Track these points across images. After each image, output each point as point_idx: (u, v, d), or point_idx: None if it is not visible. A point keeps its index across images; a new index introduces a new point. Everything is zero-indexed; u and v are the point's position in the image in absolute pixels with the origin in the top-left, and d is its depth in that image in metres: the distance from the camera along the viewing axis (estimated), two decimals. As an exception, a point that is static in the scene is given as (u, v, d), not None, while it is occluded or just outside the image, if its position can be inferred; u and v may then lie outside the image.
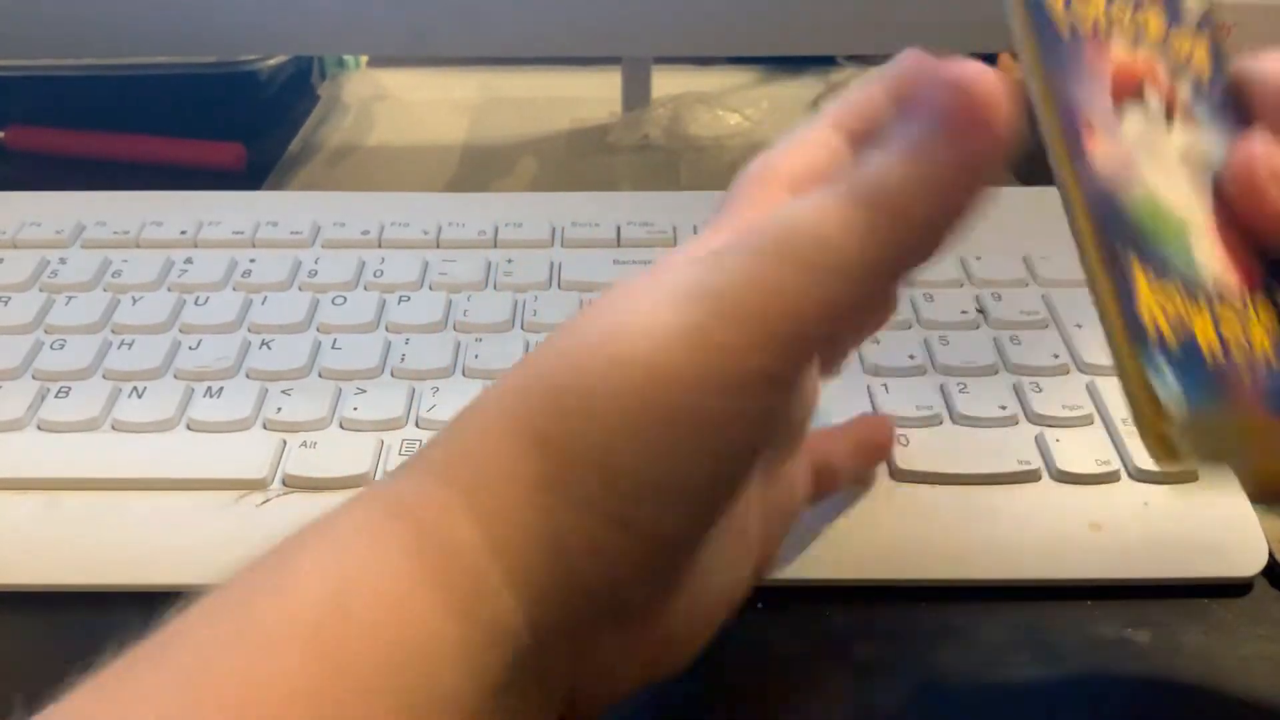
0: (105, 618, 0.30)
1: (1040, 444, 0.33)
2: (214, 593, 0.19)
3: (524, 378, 0.20)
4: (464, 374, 0.36)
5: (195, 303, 0.39)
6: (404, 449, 0.33)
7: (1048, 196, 0.21)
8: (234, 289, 0.40)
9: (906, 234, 0.19)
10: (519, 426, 0.19)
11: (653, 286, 0.20)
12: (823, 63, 0.63)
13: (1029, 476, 0.32)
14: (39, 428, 0.34)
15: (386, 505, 0.20)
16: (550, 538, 0.19)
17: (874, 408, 0.34)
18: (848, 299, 0.19)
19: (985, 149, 0.19)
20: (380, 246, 0.42)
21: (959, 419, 0.34)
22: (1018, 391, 0.34)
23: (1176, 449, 0.18)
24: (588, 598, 0.20)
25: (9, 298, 0.39)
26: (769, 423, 0.20)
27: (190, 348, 0.36)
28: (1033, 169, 0.23)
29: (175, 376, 0.36)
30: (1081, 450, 0.32)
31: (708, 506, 0.21)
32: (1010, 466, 0.32)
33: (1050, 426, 0.33)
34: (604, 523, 0.19)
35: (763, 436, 0.21)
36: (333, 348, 0.36)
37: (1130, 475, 0.32)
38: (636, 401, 0.19)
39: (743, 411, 0.19)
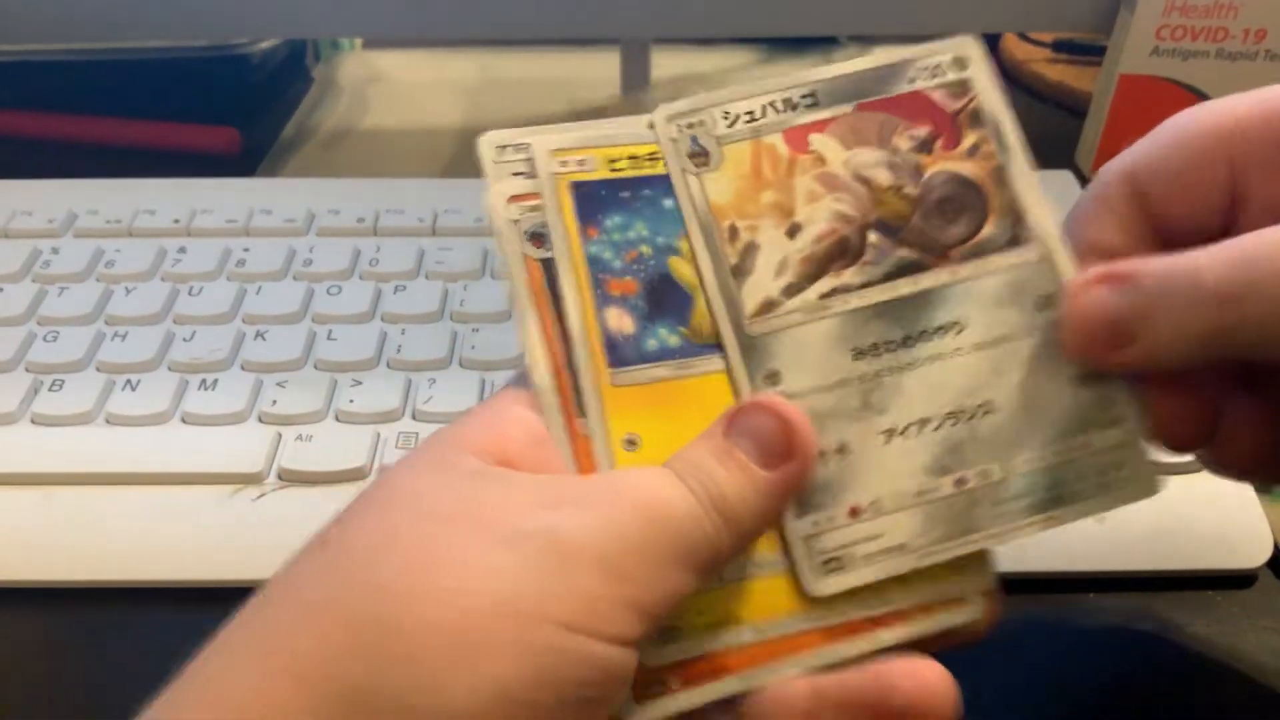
0: (100, 613, 0.30)
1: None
2: None
3: (310, 609, 0.18)
4: (461, 365, 0.35)
5: (189, 293, 0.38)
6: (400, 441, 0.33)
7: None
8: (228, 279, 0.39)
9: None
10: (299, 666, 0.17)
11: (463, 527, 0.18)
12: (825, 43, 0.63)
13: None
14: (33, 421, 0.33)
15: None
16: None
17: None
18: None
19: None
20: (376, 234, 0.42)
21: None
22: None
23: None
24: None
25: (1, 289, 0.39)
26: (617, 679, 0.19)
27: (184, 339, 0.36)
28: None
29: (169, 369, 0.35)
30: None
31: None
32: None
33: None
34: None
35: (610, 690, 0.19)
36: (328, 338, 0.36)
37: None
38: (473, 634, 0.17)
39: (601, 658, 0.18)
